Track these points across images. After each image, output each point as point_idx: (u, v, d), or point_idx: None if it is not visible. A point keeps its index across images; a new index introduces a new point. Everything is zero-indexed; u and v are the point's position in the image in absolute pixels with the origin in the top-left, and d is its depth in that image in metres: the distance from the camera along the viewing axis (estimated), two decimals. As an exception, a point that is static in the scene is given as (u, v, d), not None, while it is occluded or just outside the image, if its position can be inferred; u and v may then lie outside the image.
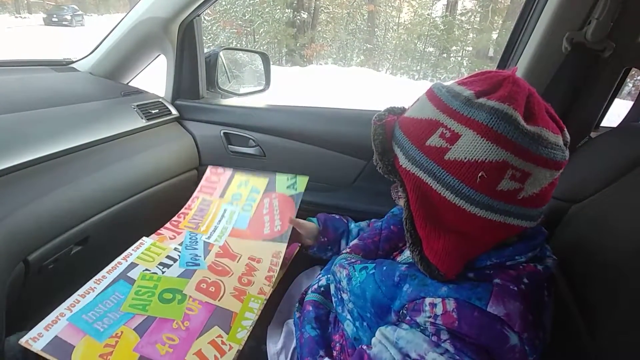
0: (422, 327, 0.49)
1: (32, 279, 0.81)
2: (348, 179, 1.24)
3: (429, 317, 0.48)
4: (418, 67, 14.81)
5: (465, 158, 0.46)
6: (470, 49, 14.72)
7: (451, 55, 14.91)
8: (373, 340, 0.54)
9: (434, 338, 0.47)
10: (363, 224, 0.94)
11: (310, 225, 0.92)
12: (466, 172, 0.46)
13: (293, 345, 0.74)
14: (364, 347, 0.54)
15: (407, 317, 0.51)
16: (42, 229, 0.80)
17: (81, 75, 1.28)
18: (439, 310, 0.48)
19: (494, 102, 0.46)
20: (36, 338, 0.63)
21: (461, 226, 0.49)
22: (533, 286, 0.49)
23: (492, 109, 0.45)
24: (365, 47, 15.03)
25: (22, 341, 0.62)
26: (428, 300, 0.50)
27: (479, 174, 0.45)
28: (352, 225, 0.94)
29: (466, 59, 14.63)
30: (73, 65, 1.32)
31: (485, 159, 0.45)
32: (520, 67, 0.96)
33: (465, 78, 0.52)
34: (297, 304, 0.81)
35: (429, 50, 14.94)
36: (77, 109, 1.03)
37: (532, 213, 0.49)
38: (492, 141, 0.45)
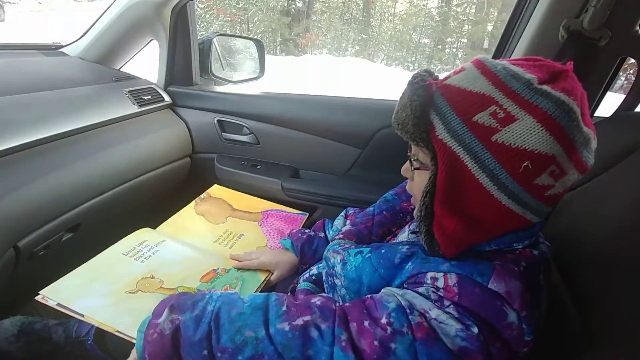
0: (425, 295, 0.48)
1: (23, 265, 0.80)
2: (342, 167, 1.24)
3: (431, 287, 0.48)
4: (413, 58, 14.75)
5: (515, 144, 0.43)
6: (466, 40, 14.67)
7: (446, 46, 14.87)
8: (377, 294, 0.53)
9: (437, 304, 0.47)
10: (339, 223, 0.90)
11: (285, 261, 0.85)
12: (511, 159, 0.44)
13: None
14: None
15: (409, 290, 0.51)
16: (33, 214, 0.79)
17: (71, 59, 1.25)
18: (440, 283, 0.48)
19: (559, 92, 0.43)
20: None
21: (480, 212, 0.48)
22: (530, 269, 0.49)
23: (559, 100, 0.43)
24: (360, 38, 14.91)
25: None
26: (430, 274, 0.49)
27: (524, 163, 0.43)
28: (331, 233, 0.89)
29: (461, 50, 14.60)
30: (62, 49, 1.29)
31: (536, 149, 0.43)
32: (517, 55, 0.96)
33: (516, 60, 0.49)
34: (288, 293, 0.81)
35: (424, 42, 14.87)
36: (67, 94, 1.01)
37: (545, 210, 0.48)
38: (551, 132, 0.43)
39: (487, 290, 0.46)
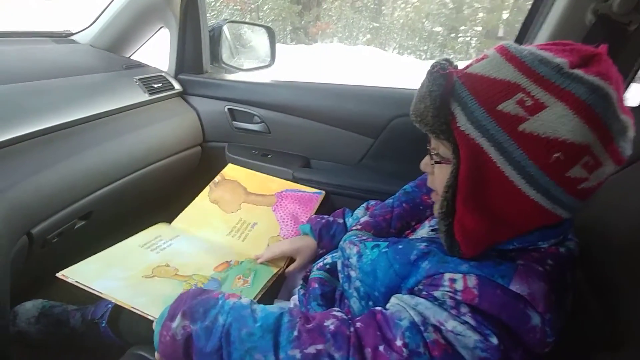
0: (440, 301, 0.46)
1: (36, 253, 0.80)
2: (354, 157, 1.22)
3: (448, 291, 0.46)
4: (425, 47, 14.48)
5: (544, 133, 0.40)
6: (480, 28, 14.33)
7: (459, 35, 14.56)
8: (388, 305, 0.51)
9: (454, 311, 0.45)
10: (359, 213, 0.88)
11: (306, 246, 0.84)
12: (540, 150, 0.41)
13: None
14: (377, 307, 0.51)
15: (424, 292, 0.49)
16: (45, 202, 0.79)
17: (82, 47, 1.25)
18: (459, 285, 0.46)
19: (593, 76, 0.40)
20: None
21: (505, 208, 0.45)
22: (557, 268, 0.47)
23: (593, 85, 0.39)
24: (371, 26, 14.68)
25: None
26: (448, 275, 0.47)
27: (555, 154, 0.40)
28: (350, 221, 0.87)
29: (475, 39, 14.28)
30: (73, 37, 1.28)
31: (568, 138, 0.39)
32: (540, 41, 0.92)
33: (543, 45, 0.45)
34: (301, 282, 0.80)
35: (436, 30, 14.59)
36: (78, 81, 1.00)
37: (577, 205, 0.45)
38: (585, 120, 0.39)
39: (508, 292, 0.44)
